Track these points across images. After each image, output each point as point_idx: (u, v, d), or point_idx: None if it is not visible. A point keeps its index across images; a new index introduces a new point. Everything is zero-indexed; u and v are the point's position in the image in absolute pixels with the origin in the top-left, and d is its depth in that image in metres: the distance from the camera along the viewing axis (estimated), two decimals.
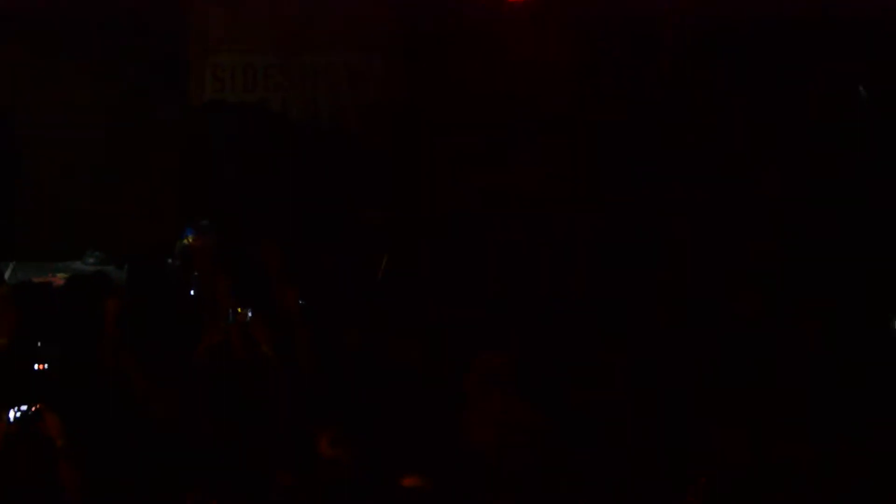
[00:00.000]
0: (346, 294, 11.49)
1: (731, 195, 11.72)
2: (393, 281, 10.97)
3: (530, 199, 12.07)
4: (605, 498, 6.71)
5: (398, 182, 12.51)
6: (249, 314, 9.03)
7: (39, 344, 8.21)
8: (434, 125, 12.56)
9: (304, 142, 12.94)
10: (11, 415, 7.04)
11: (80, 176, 12.45)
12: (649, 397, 7.71)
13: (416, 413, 7.63)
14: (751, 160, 11.75)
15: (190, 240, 11.72)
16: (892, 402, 7.39)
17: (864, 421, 7.17)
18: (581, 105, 12.44)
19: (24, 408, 7.06)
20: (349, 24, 13.16)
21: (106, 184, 12.34)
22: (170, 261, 11.79)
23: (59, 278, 10.85)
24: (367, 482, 6.80)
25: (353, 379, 8.12)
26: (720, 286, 10.54)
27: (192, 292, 10.10)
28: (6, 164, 12.39)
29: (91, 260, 11.46)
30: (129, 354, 7.63)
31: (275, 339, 8.43)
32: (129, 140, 12.45)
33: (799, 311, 8.68)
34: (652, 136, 12.12)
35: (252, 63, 13.15)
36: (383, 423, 7.47)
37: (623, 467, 6.89)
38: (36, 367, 7.92)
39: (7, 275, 11.50)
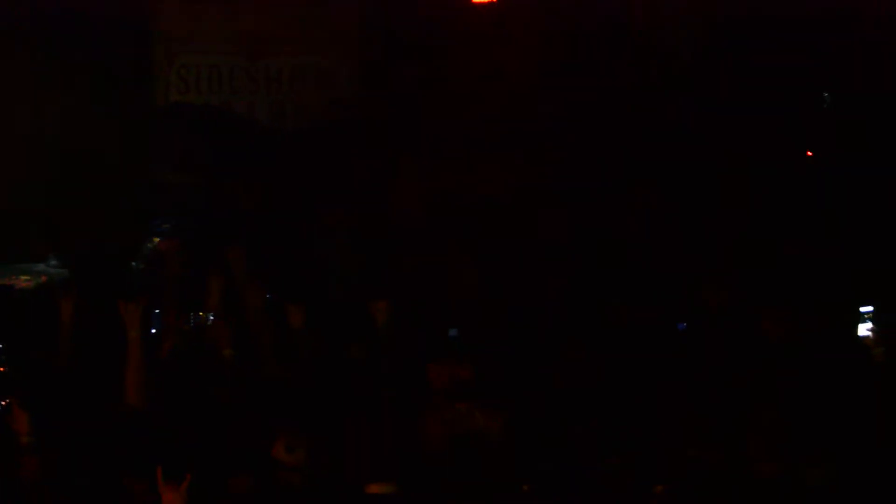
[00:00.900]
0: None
1: (695, 196, 11.76)
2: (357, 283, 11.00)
3: (498, 202, 12.11)
4: None
5: (364, 184, 12.50)
6: (211, 317, 9.04)
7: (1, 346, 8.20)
8: (400, 127, 12.57)
9: (270, 144, 12.93)
10: None
11: (44, 177, 12.35)
12: (611, 402, 7.69)
13: (377, 418, 7.62)
14: (715, 161, 11.79)
15: (157, 241, 11.73)
16: (856, 408, 7.39)
17: (828, 427, 7.17)
18: (551, 106, 12.45)
19: None
20: (315, 26, 13.16)
21: (70, 185, 12.22)
22: (133, 263, 11.78)
23: (22, 281, 10.80)
24: (325, 487, 6.80)
25: (320, 383, 8.09)
26: (685, 289, 10.59)
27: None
28: None
29: (54, 262, 11.37)
30: (132, 307, 7.59)
31: (237, 342, 8.41)
32: (93, 142, 12.36)
33: (763, 316, 8.67)
34: (620, 138, 12.13)
35: (217, 65, 13.13)
36: (343, 427, 7.45)
37: (583, 474, 6.88)
38: None
39: None
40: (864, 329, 8.26)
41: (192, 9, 13.05)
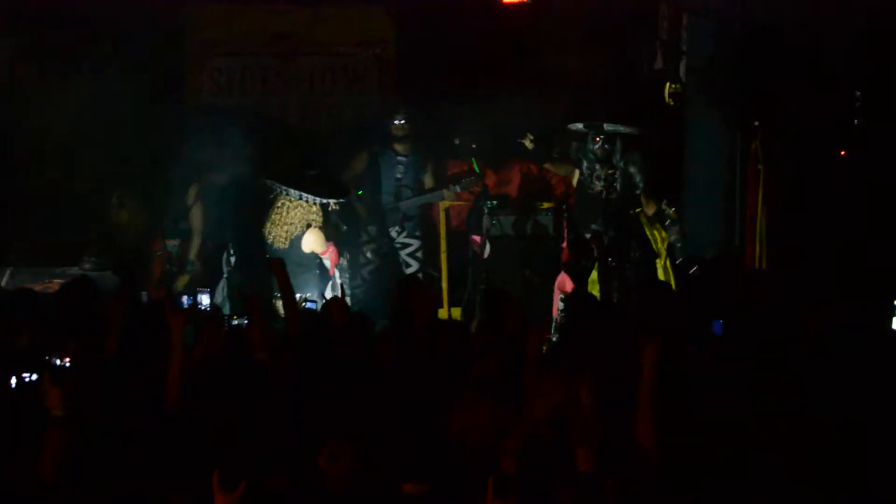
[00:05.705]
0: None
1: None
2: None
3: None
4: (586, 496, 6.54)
5: None
6: (245, 320, 9.01)
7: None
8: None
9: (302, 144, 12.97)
10: (14, 381, 7.33)
11: (79, 180, 12.38)
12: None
13: (411, 417, 7.57)
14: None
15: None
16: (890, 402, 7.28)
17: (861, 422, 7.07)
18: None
19: (25, 375, 7.29)
20: (346, 26, 13.21)
21: (105, 188, 12.22)
22: (168, 266, 11.81)
23: (56, 284, 10.78)
24: (367, 491, 6.76)
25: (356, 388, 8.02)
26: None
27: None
28: (2, 168, 12.37)
29: (88, 265, 11.33)
30: (179, 314, 7.58)
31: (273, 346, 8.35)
32: (128, 144, 12.39)
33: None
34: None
35: (249, 66, 13.17)
36: (380, 428, 7.40)
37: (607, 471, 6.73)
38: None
39: (4, 281, 11.47)
40: None
41: (224, 11, 13.09)
